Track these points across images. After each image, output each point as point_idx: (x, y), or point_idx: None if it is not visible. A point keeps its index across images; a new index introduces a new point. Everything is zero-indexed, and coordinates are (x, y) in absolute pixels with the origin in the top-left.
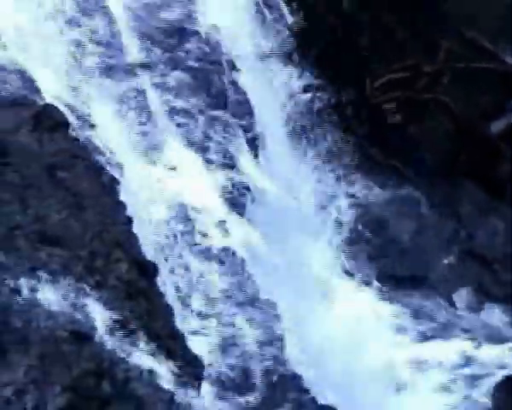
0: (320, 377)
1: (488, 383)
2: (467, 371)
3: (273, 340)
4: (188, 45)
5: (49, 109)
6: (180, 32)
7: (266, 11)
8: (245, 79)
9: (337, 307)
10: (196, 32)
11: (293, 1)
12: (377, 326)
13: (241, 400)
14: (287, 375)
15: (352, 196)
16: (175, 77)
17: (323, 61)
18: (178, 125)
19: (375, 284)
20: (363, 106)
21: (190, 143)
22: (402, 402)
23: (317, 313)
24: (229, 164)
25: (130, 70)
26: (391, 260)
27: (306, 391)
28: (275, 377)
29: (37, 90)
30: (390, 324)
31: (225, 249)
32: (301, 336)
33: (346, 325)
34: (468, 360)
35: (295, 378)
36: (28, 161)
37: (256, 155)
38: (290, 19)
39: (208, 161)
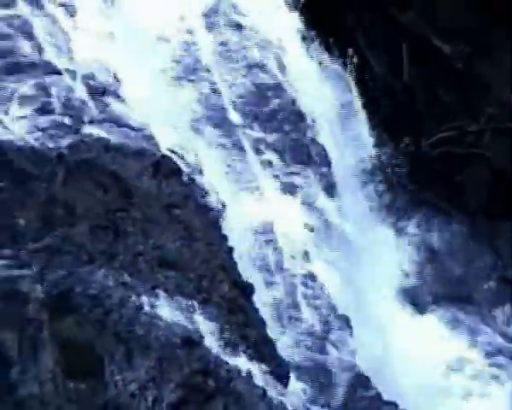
0: (384, 379)
1: None
2: None
3: (347, 348)
4: (278, 108)
5: (166, 159)
6: (272, 97)
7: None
8: (324, 137)
9: (400, 322)
10: (285, 97)
11: (365, 71)
12: (434, 337)
13: (321, 395)
14: (357, 376)
15: (410, 233)
16: (268, 134)
17: (386, 121)
18: (270, 172)
19: (432, 303)
20: (419, 158)
21: (280, 186)
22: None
23: (383, 328)
24: (311, 203)
25: (230, 127)
26: (443, 285)
27: (374, 390)
28: (348, 378)
29: (155, 144)
30: (442, 334)
31: (308, 274)
32: (371, 346)
33: (407, 336)
34: None
35: (364, 380)
36: (149, 201)
37: (332, 197)
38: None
39: (294, 200)
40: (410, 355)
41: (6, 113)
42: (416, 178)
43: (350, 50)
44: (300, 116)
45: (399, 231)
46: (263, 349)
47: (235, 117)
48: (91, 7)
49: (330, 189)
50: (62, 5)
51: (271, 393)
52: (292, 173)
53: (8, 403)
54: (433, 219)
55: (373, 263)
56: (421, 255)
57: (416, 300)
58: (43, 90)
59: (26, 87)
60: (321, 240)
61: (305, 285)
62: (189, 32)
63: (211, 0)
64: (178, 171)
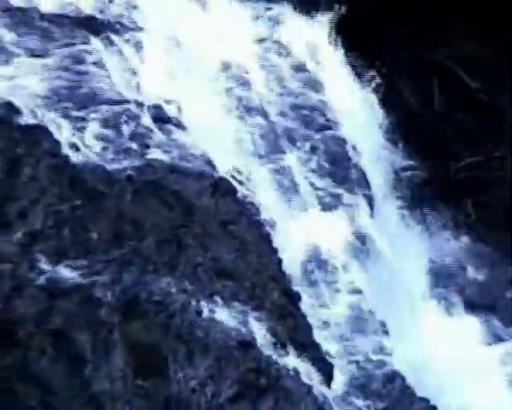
0: (418, 377)
1: None
2: None
3: (383, 349)
4: (322, 135)
5: (223, 180)
6: (316, 125)
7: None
8: (364, 161)
9: (432, 325)
10: (329, 124)
11: (398, 100)
12: (462, 340)
13: (361, 391)
14: (393, 374)
15: (439, 246)
16: (314, 157)
17: (419, 146)
18: (315, 191)
19: (460, 310)
20: (447, 180)
21: (323, 205)
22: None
23: (416, 329)
24: (351, 219)
25: (280, 151)
26: (469, 293)
27: (408, 387)
28: (385, 376)
29: (213, 167)
30: (471, 338)
31: (349, 283)
32: (404, 347)
33: (439, 338)
34: None
35: (400, 377)
36: (208, 217)
37: (370, 214)
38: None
39: (336, 217)
40: (441, 356)
41: (81, 138)
42: (444, 197)
43: (381, 80)
44: (342, 141)
45: (429, 244)
46: (309, 350)
47: (284, 142)
48: (157, 44)
49: (368, 207)
50: (131, 42)
51: (316, 389)
52: (334, 193)
53: (83, 398)
54: (460, 233)
55: (405, 273)
56: (449, 266)
57: (445, 306)
58: (114, 118)
59: (99, 115)
60: (360, 253)
61: (347, 292)
62: (244, 68)
63: (262, 40)
64: (234, 191)
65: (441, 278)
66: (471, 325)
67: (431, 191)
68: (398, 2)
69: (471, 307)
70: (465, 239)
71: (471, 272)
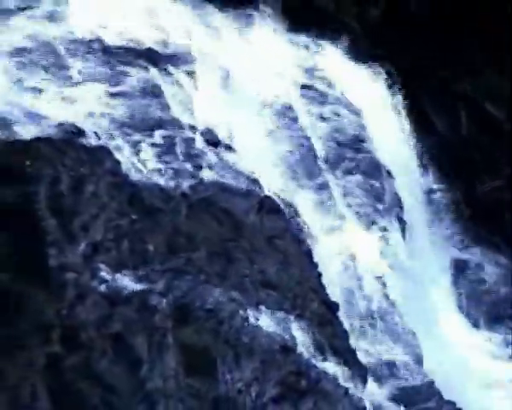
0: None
1: None
2: None
3: (414, 356)
4: (359, 158)
5: (268, 199)
6: (353, 149)
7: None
8: (397, 183)
9: (459, 336)
10: (366, 151)
11: (421, 125)
12: (487, 350)
13: (392, 393)
14: (422, 379)
15: (465, 262)
16: (351, 179)
17: (447, 171)
18: (352, 211)
19: (482, 321)
20: (474, 201)
21: (360, 224)
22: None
23: (443, 338)
24: (385, 236)
25: (320, 174)
26: (493, 306)
27: (436, 391)
28: (415, 380)
29: (260, 186)
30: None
31: (383, 295)
32: (432, 354)
33: (465, 347)
34: None
35: (428, 382)
36: (254, 233)
37: (403, 232)
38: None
39: (372, 235)
40: (466, 364)
41: (139, 159)
42: (472, 217)
43: (412, 107)
44: (378, 167)
45: (457, 260)
46: (346, 356)
47: (323, 165)
48: (209, 74)
49: (400, 225)
50: (186, 73)
51: (352, 391)
52: (369, 212)
53: (139, 396)
54: (486, 250)
55: (435, 286)
56: (475, 281)
57: (470, 318)
58: (170, 141)
59: (156, 138)
60: (392, 267)
61: (380, 304)
62: (288, 96)
63: (304, 70)
64: (278, 209)
65: (467, 292)
66: (496, 338)
67: (458, 212)
68: (428, 33)
69: (497, 320)
70: (490, 256)
71: (494, 285)
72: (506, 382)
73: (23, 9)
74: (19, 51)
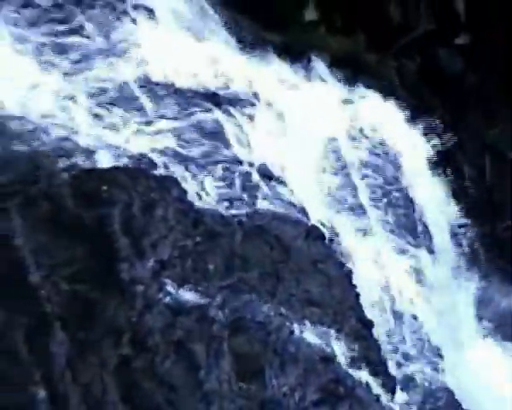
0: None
1: None
2: None
3: (437, 369)
4: (397, 195)
5: (314, 227)
6: (392, 186)
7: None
8: (428, 217)
9: (476, 352)
10: (401, 188)
11: (452, 169)
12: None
13: (418, 402)
14: (445, 390)
15: (485, 289)
16: (389, 211)
17: (472, 209)
18: (388, 239)
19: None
20: (494, 236)
21: (394, 251)
22: None
23: (464, 355)
24: (417, 263)
25: (362, 207)
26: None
27: (456, 401)
28: (437, 390)
29: (307, 216)
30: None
31: (412, 315)
32: (454, 369)
33: (482, 363)
34: None
35: (450, 393)
36: (301, 256)
37: (433, 261)
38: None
39: (404, 261)
40: (485, 379)
41: (203, 188)
42: (491, 250)
43: (445, 154)
44: (412, 203)
45: (478, 288)
46: (378, 367)
47: (365, 198)
48: (265, 115)
49: (430, 253)
50: (245, 113)
51: (383, 398)
52: (404, 241)
53: (197, 396)
54: (504, 280)
55: (459, 308)
56: (492, 305)
57: (490, 338)
58: (230, 174)
59: (218, 171)
60: (422, 291)
61: (409, 323)
62: (335, 135)
63: (351, 119)
64: (323, 236)
65: (486, 311)
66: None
67: (481, 245)
68: (459, 87)
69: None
70: (507, 285)
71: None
72: None
73: (108, 54)
74: (101, 91)
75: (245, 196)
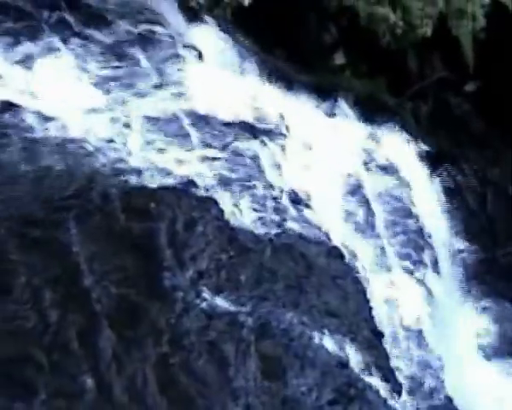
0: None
1: None
2: None
3: (438, 377)
4: (407, 223)
5: (335, 248)
6: (403, 215)
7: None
8: (434, 243)
9: (475, 363)
10: (411, 216)
11: (458, 202)
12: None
13: (418, 403)
14: (445, 397)
15: (485, 308)
16: (399, 238)
17: (473, 236)
18: (399, 261)
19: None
20: (494, 261)
21: (404, 271)
22: None
23: (463, 364)
24: (423, 284)
25: (375, 231)
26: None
27: (454, 405)
28: (438, 395)
29: (329, 237)
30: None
31: (418, 331)
32: (454, 377)
33: (480, 371)
34: None
35: (448, 399)
36: (322, 272)
37: (438, 282)
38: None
39: (412, 280)
40: (482, 385)
41: (238, 209)
42: (491, 274)
43: (452, 188)
44: (421, 229)
45: (478, 306)
46: (386, 373)
47: (380, 225)
48: (295, 146)
49: (436, 274)
50: (278, 144)
51: (390, 401)
52: (412, 263)
53: (226, 391)
54: (502, 301)
55: (460, 322)
56: (492, 324)
57: (489, 351)
58: (262, 197)
59: (252, 194)
60: (428, 308)
61: (415, 335)
62: (356, 171)
63: (371, 153)
64: (342, 255)
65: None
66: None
67: (481, 269)
68: (467, 128)
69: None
70: (506, 305)
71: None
72: None
73: (160, 87)
74: (153, 120)
75: (275, 217)
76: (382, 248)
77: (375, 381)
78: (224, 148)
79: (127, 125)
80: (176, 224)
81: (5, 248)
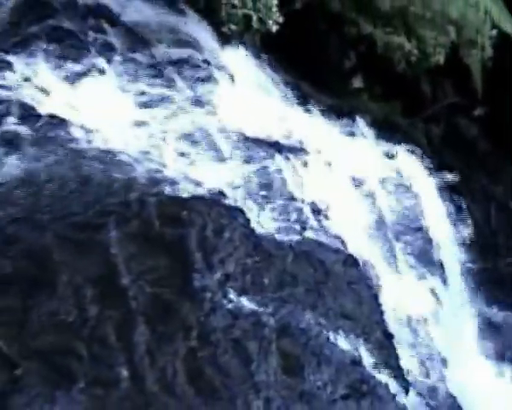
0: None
1: None
2: None
3: (442, 376)
4: (416, 234)
5: (350, 256)
6: (413, 226)
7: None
8: (442, 254)
9: (478, 366)
10: (421, 227)
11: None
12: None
13: (425, 401)
14: (448, 395)
15: (489, 317)
16: (409, 247)
17: (478, 248)
18: (409, 269)
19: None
20: (497, 271)
21: (414, 278)
22: None
23: (467, 366)
24: (431, 290)
25: (388, 239)
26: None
27: (458, 406)
28: (442, 396)
29: (345, 246)
30: None
31: (426, 332)
32: (458, 378)
33: (483, 373)
34: None
35: (452, 398)
36: (338, 279)
37: (445, 289)
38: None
39: (421, 286)
40: (484, 386)
41: (263, 218)
42: (494, 283)
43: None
44: (430, 240)
45: (482, 314)
46: (395, 372)
47: (392, 235)
48: (317, 162)
49: (443, 283)
50: (300, 160)
51: (398, 398)
52: (422, 271)
53: (248, 384)
54: (505, 308)
55: (465, 327)
56: (493, 329)
57: (491, 355)
58: (285, 208)
59: (275, 205)
60: (435, 312)
61: (423, 338)
62: (371, 185)
63: (385, 169)
64: (357, 263)
65: (491, 337)
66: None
67: (485, 278)
68: (475, 151)
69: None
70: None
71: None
72: None
73: (194, 106)
74: (187, 135)
75: (296, 226)
76: (394, 257)
77: (385, 378)
78: (251, 162)
79: (162, 139)
80: (205, 230)
81: (51, 250)
